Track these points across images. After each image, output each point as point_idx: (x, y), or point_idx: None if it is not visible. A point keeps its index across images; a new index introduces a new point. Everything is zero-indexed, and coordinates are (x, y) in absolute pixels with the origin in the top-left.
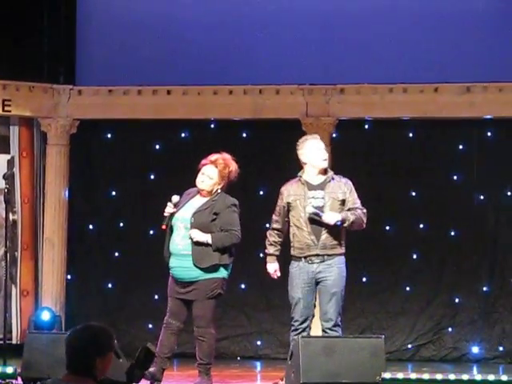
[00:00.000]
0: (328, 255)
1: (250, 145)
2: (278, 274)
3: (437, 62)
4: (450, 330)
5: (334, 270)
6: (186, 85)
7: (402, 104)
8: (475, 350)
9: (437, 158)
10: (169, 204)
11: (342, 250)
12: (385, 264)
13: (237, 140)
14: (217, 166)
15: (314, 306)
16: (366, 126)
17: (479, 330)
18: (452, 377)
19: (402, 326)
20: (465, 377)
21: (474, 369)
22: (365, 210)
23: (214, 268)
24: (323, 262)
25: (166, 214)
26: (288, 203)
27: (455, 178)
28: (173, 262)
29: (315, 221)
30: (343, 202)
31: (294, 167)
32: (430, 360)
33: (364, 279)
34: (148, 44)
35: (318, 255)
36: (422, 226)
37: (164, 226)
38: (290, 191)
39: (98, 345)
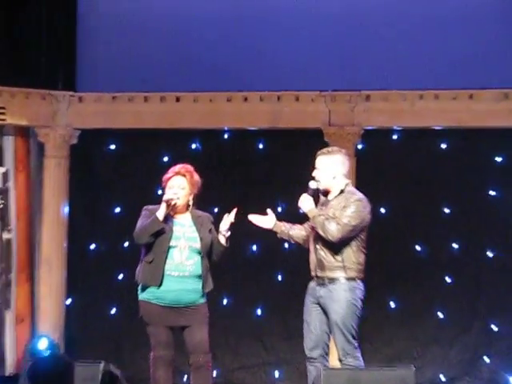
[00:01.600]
0: (329, 279)
1: (266, 157)
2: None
3: (472, 67)
4: (486, 359)
5: (336, 297)
6: (196, 91)
7: (433, 112)
8: None
9: (472, 172)
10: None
11: (351, 273)
12: (415, 287)
13: (252, 152)
14: (184, 175)
15: (329, 333)
16: (395, 136)
17: None
18: None
19: (433, 355)
20: None
21: None
22: (341, 224)
23: (205, 292)
24: (323, 285)
25: (172, 196)
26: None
27: (492, 193)
28: (171, 285)
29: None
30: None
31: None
32: None
33: (392, 304)
34: (156, 46)
35: (318, 277)
36: (455, 245)
37: (169, 201)
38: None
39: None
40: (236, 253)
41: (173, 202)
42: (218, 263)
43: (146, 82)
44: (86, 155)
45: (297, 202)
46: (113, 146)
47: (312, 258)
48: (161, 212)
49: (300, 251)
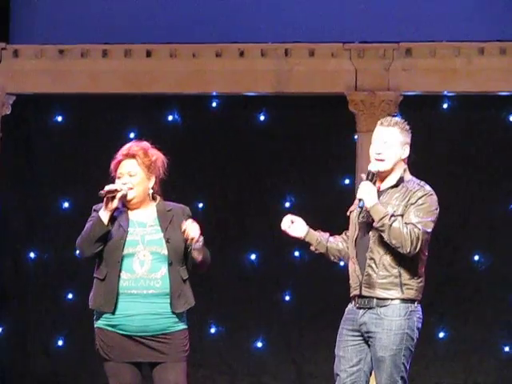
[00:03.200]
0: (378, 299)
1: (270, 133)
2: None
3: None
4: None
5: (387, 325)
6: (174, 42)
7: (498, 72)
8: None
9: None
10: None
11: (410, 292)
12: (473, 313)
13: (251, 125)
14: (134, 157)
15: (368, 374)
16: (445, 105)
17: None
18: None
19: None
20: None
21: None
22: (420, 231)
23: (183, 314)
24: (370, 309)
25: (116, 187)
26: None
27: None
28: (130, 308)
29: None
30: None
31: (338, 166)
32: None
33: (441, 335)
34: None
35: (362, 297)
36: None
37: (104, 192)
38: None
39: None
40: (229, 266)
41: (118, 195)
42: (204, 276)
43: (106, 30)
44: (23, 130)
45: (312, 194)
46: (60, 118)
47: (354, 271)
48: (103, 211)
49: (315, 261)
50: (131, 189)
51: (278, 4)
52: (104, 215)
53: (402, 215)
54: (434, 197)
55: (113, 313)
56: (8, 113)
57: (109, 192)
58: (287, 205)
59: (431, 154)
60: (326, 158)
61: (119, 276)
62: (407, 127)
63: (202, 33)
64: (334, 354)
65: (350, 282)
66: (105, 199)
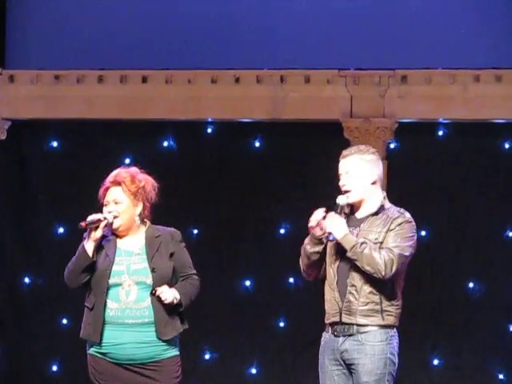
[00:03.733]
0: (358, 325)
1: (265, 159)
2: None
3: None
4: None
5: (370, 350)
6: (169, 68)
7: (494, 99)
8: None
9: None
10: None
11: (389, 319)
12: (467, 340)
13: (246, 152)
14: (120, 184)
15: None
16: (440, 133)
17: None
18: None
19: None
20: None
21: None
22: (395, 254)
23: (173, 340)
24: (350, 335)
25: (98, 217)
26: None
27: None
28: (118, 337)
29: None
30: (380, 245)
31: (333, 192)
32: None
33: (435, 362)
34: (116, 10)
35: (342, 324)
36: None
37: (84, 224)
38: None
39: None
40: (223, 292)
41: (101, 224)
42: (199, 302)
43: (101, 55)
44: (18, 155)
45: (306, 221)
46: (55, 144)
47: (332, 298)
48: (87, 242)
49: (310, 288)
50: (117, 217)
51: (273, 31)
52: (89, 246)
53: (381, 242)
54: (413, 223)
55: (100, 342)
56: (3, 138)
57: (91, 223)
58: (282, 231)
59: (426, 180)
60: (321, 185)
61: (105, 305)
62: (370, 152)
63: (198, 59)
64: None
65: (327, 308)
66: (88, 229)
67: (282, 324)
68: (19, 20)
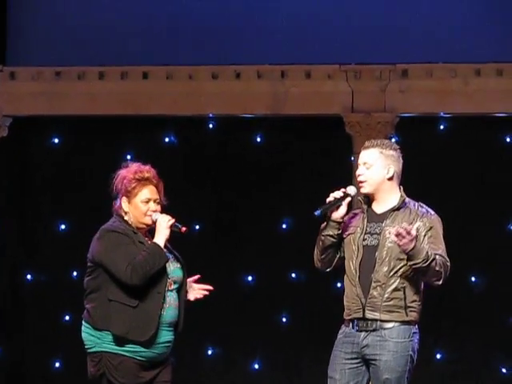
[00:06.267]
0: (382, 321)
1: (266, 154)
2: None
3: None
4: None
5: (393, 347)
6: (170, 64)
7: (495, 93)
8: None
9: None
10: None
11: (412, 315)
12: (470, 334)
13: (247, 147)
14: (156, 186)
15: None
16: (441, 126)
17: None
18: None
19: None
20: None
21: None
22: (448, 262)
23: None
24: (373, 331)
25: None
26: (342, 237)
27: None
28: (161, 336)
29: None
30: None
31: (335, 186)
32: None
33: (438, 356)
34: (116, 6)
35: (365, 320)
36: None
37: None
38: (350, 221)
39: None
40: (225, 287)
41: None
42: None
43: (102, 52)
44: (20, 152)
45: (308, 216)
46: (56, 140)
47: (353, 293)
48: (162, 242)
49: (312, 282)
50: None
51: (273, 26)
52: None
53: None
54: (439, 219)
55: (143, 343)
56: (5, 135)
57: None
58: (284, 226)
59: (427, 175)
60: (322, 179)
61: (162, 308)
62: (392, 148)
63: (199, 55)
64: (329, 369)
65: (348, 304)
66: (168, 231)
67: (284, 319)
68: (20, 17)
